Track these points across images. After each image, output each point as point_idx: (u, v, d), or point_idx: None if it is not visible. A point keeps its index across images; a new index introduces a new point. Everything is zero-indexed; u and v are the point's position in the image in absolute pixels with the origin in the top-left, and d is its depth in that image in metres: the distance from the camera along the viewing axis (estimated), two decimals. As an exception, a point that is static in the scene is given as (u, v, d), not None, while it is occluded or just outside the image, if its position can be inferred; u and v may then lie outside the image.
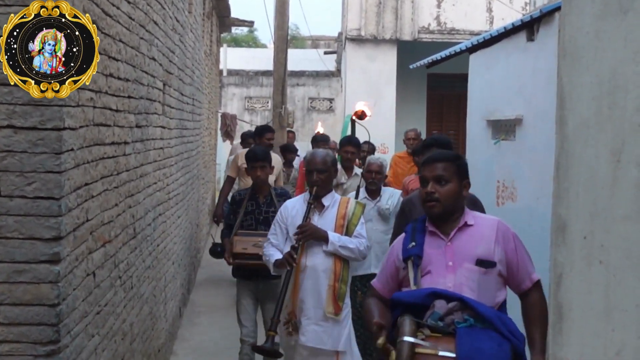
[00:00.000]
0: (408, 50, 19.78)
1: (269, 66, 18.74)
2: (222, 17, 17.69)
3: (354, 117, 10.32)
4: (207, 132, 13.77)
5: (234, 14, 18.49)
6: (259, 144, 9.08)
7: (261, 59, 25.11)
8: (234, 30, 26.77)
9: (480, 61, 12.02)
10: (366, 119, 10.55)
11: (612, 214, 1.29)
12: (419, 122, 20.26)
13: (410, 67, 16.38)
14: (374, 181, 7.38)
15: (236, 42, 41.80)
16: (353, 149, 8.75)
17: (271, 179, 8.76)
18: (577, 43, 1.42)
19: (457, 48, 13.30)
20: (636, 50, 1.25)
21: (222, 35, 20.52)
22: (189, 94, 9.26)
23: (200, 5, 11.73)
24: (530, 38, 9.74)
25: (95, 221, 4.02)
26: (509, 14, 18.67)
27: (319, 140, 12.26)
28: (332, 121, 21.89)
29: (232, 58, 25.23)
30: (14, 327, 3.28)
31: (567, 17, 1.48)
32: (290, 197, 6.51)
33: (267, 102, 22.24)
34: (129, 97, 4.89)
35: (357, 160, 9.06)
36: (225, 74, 23.35)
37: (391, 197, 7.36)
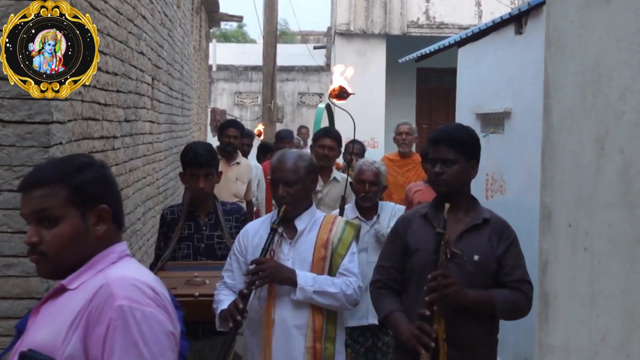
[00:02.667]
0: (397, 45, 19.78)
1: (259, 61, 18.70)
2: (211, 12, 17.65)
3: (330, 99, 6.50)
4: (197, 127, 13.75)
5: (223, 9, 18.46)
6: (220, 143, 7.44)
7: (250, 54, 25.08)
8: (223, 25, 26.76)
9: (468, 55, 12.04)
10: (347, 99, 6.49)
11: (596, 201, 1.29)
12: (408, 116, 20.21)
13: (400, 61, 16.39)
14: (369, 195, 5.31)
15: (225, 37, 41.70)
16: (331, 143, 6.35)
17: (240, 188, 7.38)
18: (562, 32, 1.43)
19: (446, 42, 13.31)
20: (620, 38, 1.25)
21: (211, 30, 20.47)
22: (178, 88, 9.24)
23: (189, 0, 11.69)
24: (519, 31, 9.75)
25: (84, 215, 4.01)
26: (498, 8, 18.69)
27: (283, 138, 10.10)
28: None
29: (222, 53, 25.18)
30: (3, 321, 3.28)
31: (552, 7, 1.49)
32: (243, 215, 4.90)
33: (257, 97, 22.21)
34: (118, 91, 4.88)
35: (336, 161, 6.85)
36: (214, 69, 23.31)
37: (394, 215, 5.35)
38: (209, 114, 17.80)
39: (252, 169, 7.71)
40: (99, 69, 4.26)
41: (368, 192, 5.32)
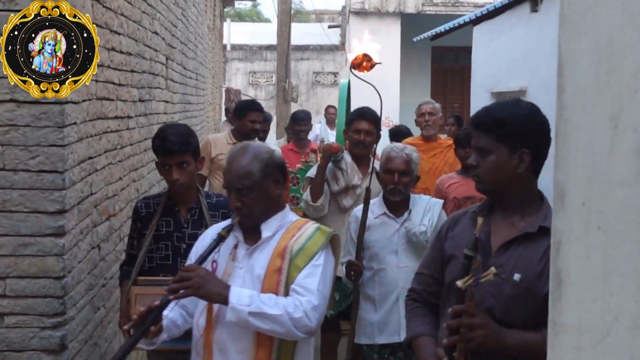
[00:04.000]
0: (412, 23, 19.70)
1: (273, 40, 18.70)
2: (225, -9, 17.61)
3: (352, 70, 5.38)
4: (212, 107, 13.77)
5: (237, -12, 18.41)
6: (238, 129, 6.48)
7: (265, 33, 25.02)
8: (237, 4, 26.65)
9: (484, 33, 11.97)
10: (372, 70, 5.41)
11: (609, 180, 1.29)
12: (423, 95, 20.15)
13: (414, 40, 16.35)
14: (398, 187, 4.43)
15: (240, 17, 41.62)
16: (367, 127, 5.31)
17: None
18: (576, 9, 1.42)
19: (461, 20, 13.25)
20: (634, 15, 1.25)
21: (225, 9, 20.43)
22: (192, 68, 9.24)
23: (203, -21, 11.67)
24: (534, 9, 9.69)
25: (99, 195, 4.04)
26: (514, -14, 18.54)
27: (299, 120, 8.81)
28: (336, 95, 21.84)
29: (236, 33, 25.15)
30: (21, 300, 3.31)
31: (566, -16, 1.48)
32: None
33: (271, 77, 22.21)
34: (132, 71, 4.89)
35: (374, 148, 5.37)
36: (229, 48, 23.29)
37: (429, 210, 4.53)
38: (224, 94, 17.81)
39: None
40: (112, 48, 4.26)
41: (397, 184, 4.40)
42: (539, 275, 2.58)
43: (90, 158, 3.82)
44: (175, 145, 3.82)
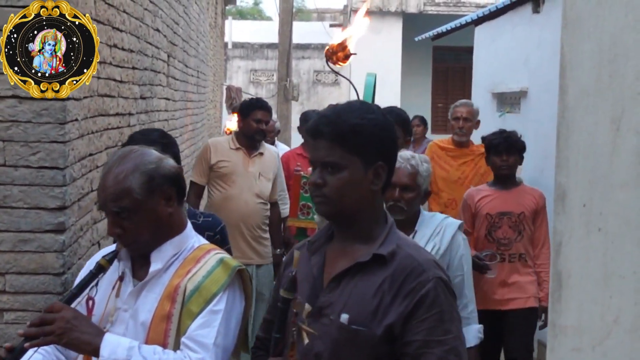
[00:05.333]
0: (413, 23, 19.72)
1: (274, 39, 18.69)
2: (226, -11, 17.61)
3: (327, 62, 4.45)
4: (212, 104, 13.76)
5: (239, -15, 18.41)
6: (243, 128, 5.79)
7: (266, 31, 25.04)
8: (238, 2, 26.70)
9: (485, 33, 11.97)
10: (348, 62, 4.54)
11: (610, 182, 1.29)
12: (424, 95, 20.25)
13: (416, 39, 16.33)
14: (399, 204, 3.61)
15: (241, 15, 41.64)
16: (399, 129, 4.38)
17: (264, 187, 5.79)
18: (579, 11, 1.42)
19: (462, 20, 13.25)
20: (637, 17, 1.25)
21: (227, 7, 20.43)
22: (193, 66, 9.24)
23: (205, -24, 11.67)
24: (536, 10, 9.69)
25: (100, 192, 4.04)
26: (516, -14, 18.56)
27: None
28: (337, 94, 21.87)
29: (237, 31, 25.17)
30: (20, 296, 3.31)
31: (570, -15, 1.48)
32: (219, 232, 3.69)
33: (273, 75, 22.21)
34: (133, 68, 4.89)
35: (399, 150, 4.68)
36: (230, 46, 23.31)
37: (438, 233, 3.74)
38: (225, 92, 17.81)
39: (276, 160, 6.05)
40: (114, 45, 4.26)
41: (399, 200, 3.59)
42: (372, 314, 2.09)
43: (91, 155, 3.82)
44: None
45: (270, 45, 22.64)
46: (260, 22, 36.28)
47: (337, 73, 4.50)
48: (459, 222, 3.82)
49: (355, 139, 2.13)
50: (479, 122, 6.40)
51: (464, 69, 18.10)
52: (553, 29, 8.50)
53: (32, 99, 3.27)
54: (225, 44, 21.19)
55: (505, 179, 5.11)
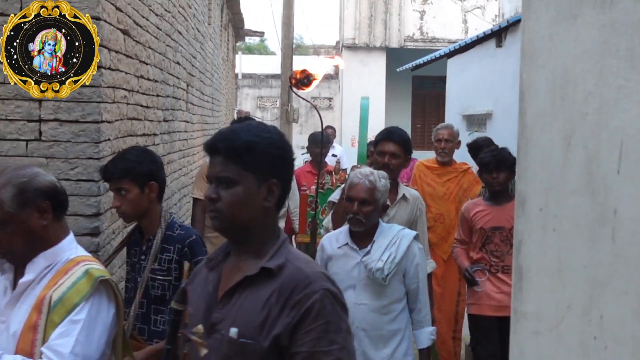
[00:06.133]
0: (395, 56, 19.75)
1: (277, 70, 18.68)
2: (237, 28, 17.64)
3: (292, 88, 3.91)
4: (225, 126, 13.75)
5: (247, 25, 18.46)
6: None
7: (271, 64, 25.05)
8: (247, 39, 26.66)
9: (456, 65, 12.00)
10: (312, 86, 3.76)
11: (563, 189, 1.29)
12: (405, 117, 20.25)
13: (397, 70, 16.37)
14: (357, 217, 3.43)
15: (249, 50, 41.64)
16: (394, 148, 4.19)
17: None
18: (535, 45, 1.42)
19: (437, 54, 13.28)
20: (584, 50, 1.25)
21: (237, 44, 20.45)
22: (209, 93, 9.24)
23: (218, 18, 11.69)
24: (499, 45, 9.72)
25: (129, 200, 4.03)
26: (481, 25, 18.62)
27: (318, 141, 6.96)
28: (331, 117, 21.84)
29: (246, 63, 25.18)
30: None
31: (526, 23, 1.49)
32: (188, 246, 3.11)
33: (276, 101, 22.18)
34: (157, 95, 4.88)
35: (400, 169, 4.33)
36: (240, 77, 23.29)
37: (394, 243, 3.47)
38: (235, 115, 17.82)
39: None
40: (141, 76, 4.26)
41: (357, 214, 3.41)
42: (259, 327, 1.85)
43: (121, 169, 3.81)
44: (108, 171, 3.00)
45: (274, 76, 22.62)
46: (265, 56, 36.26)
47: (301, 97, 4.05)
48: (414, 232, 3.58)
49: (249, 156, 1.90)
50: (459, 142, 6.11)
51: (438, 95, 18.12)
52: (513, 61, 8.53)
53: (71, 121, 3.26)
54: (236, 75, 21.21)
55: (498, 195, 4.70)
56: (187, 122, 6.68)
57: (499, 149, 4.93)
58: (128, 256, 3.22)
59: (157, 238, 3.04)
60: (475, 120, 10.13)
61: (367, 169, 3.62)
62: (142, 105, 4.34)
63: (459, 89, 11.69)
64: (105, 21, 3.31)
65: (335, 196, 4.34)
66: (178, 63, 5.99)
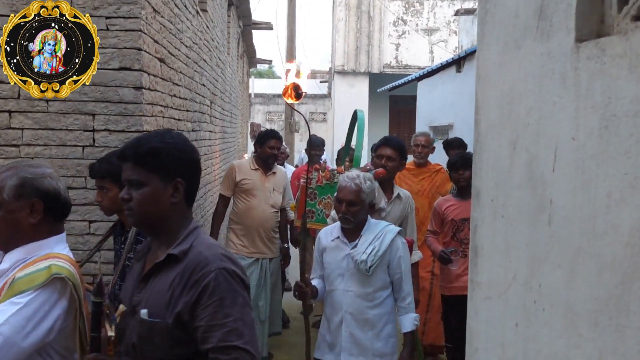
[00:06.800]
0: (376, 79, 19.76)
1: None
2: (250, 57, 17.61)
3: (285, 99, 3.78)
4: (240, 135, 13.71)
5: (258, 55, 18.42)
6: (260, 153, 5.16)
7: (277, 86, 25.01)
8: (258, 66, 26.64)
9: (425, 86, 12.00)
10: (300, 99, 3.82)
11: (510, 184, 1.29)
12: (383, 128, 20.25)
13: (378, 91, 16.37)
14: (345, 216, 3.26)
15: (260, 75, 41.55)
16: (390, 153, 4.03)
17: (277, 199, 5.20)
18: (487, 69, 1.43)
19: (409, 77, 13.28)
20: (526, 73, 1.25)
21: (250, 69, 20.43)
22: (228, 109, 9.22)
23: (236, 49, 11.67)
24: (459, 70, 9.72)
25: (164, 194, 4.02)
26: (444, 54, 18.63)
27: (314, 145, 6.91)
28: (325, 128, 21.82)
29: (257, 85, 25.14)
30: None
31: (481, 52, 1.49)
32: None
33: (282, 115, 22.17)
34: (187, 110, 4.87)
35: (396, 171, 4.17)
36: (252, 96, 23.26)
37: (378, 238, 3.26)
38: (249, 126, 17.78)
39: (286, 176, 5.51)
40: (174, 95, 4.25)
41: (346, 213, 3.25)
42: (165, 306, 1.72)
43: (158, 169, 3.80)
44: (93, 170, 2.79)
45: (280, 95, 22.56)
46: (273, 79, 36.17)
47: (297, 111, 3.87)
48: (397, 228, 3.35)
49: (154, 160, 1.77)
50: (434, 148, 5.95)
51: (411, 111, 18.13)
52: (470, 83, 8.54)
53: (118, 131, 3.25)
54: (249, 95, 21.18)
55: (465, 190, 4.50)
56: (210, 131, 6.67)
57: (464, 152, 4.93)
58: (114, 244, 3.00)
59: (133, 231, 2.77)
60: (440, 130, 10.14)
61: (354, 173, 3.36)
62: (174, 119, 4.33)
63: (427, 106, 11.70)
64: (145, 51, 3.30)
65: None
66: (203, 85, 5.97)
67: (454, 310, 4.50)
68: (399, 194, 4.05)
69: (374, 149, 4.39)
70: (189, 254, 1.77)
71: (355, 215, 3.25)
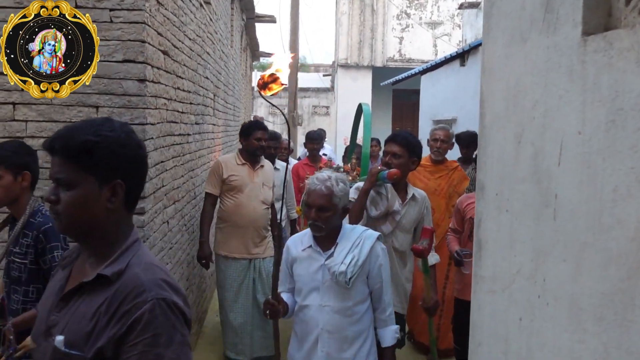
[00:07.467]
0: (379, 73, 19.71)
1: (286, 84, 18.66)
2: (253, 50, 17.58)
3: (260, 92, 2.86)
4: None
5: (261, 48, 18.39)
6: (246, 146, 4.83)
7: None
8: (261, 59, 26.59)
9: (428, 80, 11.97)
10: (279, 90, 2.90)
11: (514, 178, 1.29)
12: (386, 123, 20.22)
13: (381, 84, 16.33)
14: (315, 223, 2.86)
15: (263, 68, 41.42)
16: (397, 149, 3.60)
17: (267, 194, 4.83)
18: (493, 62, 1.41)
19: (412, 71, 13.24)
20: (532, 67, 1.24)
21: (253, 63, 20.40)
22: (231, 102, 9.21)
23: (239, 42, 11.64)
24: (463, 64, 9.68)
25: (168, 187, 4.02)
26: (448, 48, 18.57)
27: (312, 139, 6.86)
28: (327, 122, 21.80)
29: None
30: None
31: (486, 45, 1.47)
32: (44, 235, 2.55)
33: (284, 109, 22.16)
34: (191, 103, 4.87)
35: (405, 169, 3.63)
36: (255, 89, 23.22)
37: (357, 246, 2.90)
38: (253, 119, 17.76)
39: (273, 170, 5.09)
40: (178, 88, 4.24)
41: (316, 220, 2.85)
42: (86, 337, 1.39)
43: (162, 162, 3.80)
44: None
45: (283, 89, 22.59)
46: (276, 73, 36.09)
47: (270, 102, 3.17)
48: (377, 234, 2.98)
49: (87, 157, 1.43)
50: (453, 144, 5.38)
51: (414, 105, 18.11)
52: (474, 77, 8.50)
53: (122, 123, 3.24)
54: (252, 88, 21.16)
55: None
56: (214, 124, 6.66)
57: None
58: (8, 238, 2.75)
59: (20, 223, 2.58)
60: (443, 124, 10.12)
61: (325, 173, 2.95)
62: (178, 111, 4.32)
63: (430, 100, 11.67)
64: (149, 44, 3.29)
65: (350, 194, 3.53)
66: (207, 78, 5.97)
67: (467, 314, 4.27)
68: (413, 195, 3.65)
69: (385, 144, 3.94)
70: (123, 276, 1.43)
71: (326, 221, 2.85)
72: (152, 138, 3.48)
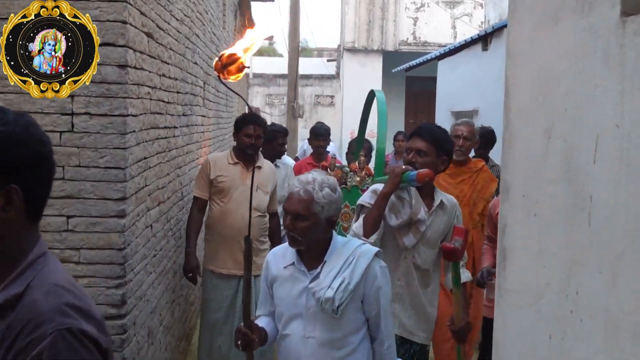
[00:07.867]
0: (391, 58, 19.71)
1: (284, 70, 18.64)
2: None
3: (218, 76, 2.48)
4: (237, 120, 13.72)
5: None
6: (237, 143, 4.72)
7: (278, 65, 24.98)
8: (258, 42, 26.63)
9: (446, 66, 11.96)
10: (241, 75, 2.50)
11: (544, 178, 1.28)
12: (399, 114, 20.24)
13: (393, 71, 16.34)
14: (290, 233, 2.59)
15: (259, 52, 41.52)
16: (422, 145, 3.29)
17: (261, 200, 4.61)
18: (519, 47, 1.41)
19: (428, 56, 13.24)
20: (562, 52, 1.24)
21: (248, 46, 20.40)
22: (223, 91, 9.22)
23: (232, 23, 11.66)
24: (485, 48, 9.68)
25: (152, 186, 4.03)
26: (469, 30, 18.55)
27: (318, 135, 6.78)
28: (332, 113, 21.81)
29: (256, 64, 25.11)
30: (91, 266, 3.30)
31: (512, 28, 1.47)
32: None
33: (283, 98, 22.14)
34: (177, 92, 4.87)
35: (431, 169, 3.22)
36: (251, 76, 23.25)
37: (349, 265, 2.58)
38: (247, 111, 17.76)
39: (275, 173, 4.91)
40: (163, 74, 4.24)
41: (291, 230, 2.59)
42: None
43: (145, 158, 3.80)
44: None
45: (282, 76, 22.55)
46: (274, 58, 36.10)
47: (228, 87, 2.97)
48: (375, 249, 2.67)
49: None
50: (478, 141, 5.00)
51: (429, 94, 18.09)
52: (497, 62, 8.50)
53: (100, 115, 3.25)
54: (247, 75, 21.17)
55: None
56: (203, 116, 6.67)
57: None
58: None
59: None
60: (463, 116, 10.09)
61: (309, 175, 2.69)
62: (163, 101, 4.32)
63: (448, 88, 11.67)
64: (131, 24, 3.29)
65: (365, 199, 3.37)
66: (196, 63, 5.97)
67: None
68: (442, 202, 3.33)
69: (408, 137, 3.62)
70: (21, 302, 1.28)
71: (303, 233, 2.57)
72: (134, 131, 3.49)
